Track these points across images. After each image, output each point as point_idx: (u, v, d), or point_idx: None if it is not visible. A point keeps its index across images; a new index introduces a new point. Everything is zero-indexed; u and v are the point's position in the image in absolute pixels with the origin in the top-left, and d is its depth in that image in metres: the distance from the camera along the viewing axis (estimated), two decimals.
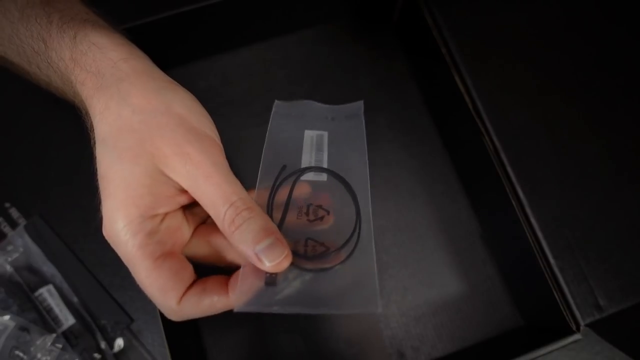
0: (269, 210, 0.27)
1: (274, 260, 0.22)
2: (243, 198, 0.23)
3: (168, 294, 0.23)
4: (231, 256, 0.26)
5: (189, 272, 0.25)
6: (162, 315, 0.32)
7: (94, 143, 0.24)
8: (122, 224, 0.23)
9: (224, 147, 0.25)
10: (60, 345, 0.36)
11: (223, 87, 0.44)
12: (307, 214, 0.27)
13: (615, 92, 0.41)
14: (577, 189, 0.38)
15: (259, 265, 0.23)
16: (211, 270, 0.27)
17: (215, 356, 0.38)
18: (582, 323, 0.32)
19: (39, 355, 0.35)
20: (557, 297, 0.33)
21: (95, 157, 0.24)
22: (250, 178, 0.29)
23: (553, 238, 0.34)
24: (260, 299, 0.23)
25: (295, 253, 0.24)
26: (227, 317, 0.39)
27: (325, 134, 0.31)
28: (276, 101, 0.32)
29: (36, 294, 0.38)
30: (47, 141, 0.42)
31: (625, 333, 0.34)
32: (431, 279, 0.40)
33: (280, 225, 0.26)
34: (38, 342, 0.35)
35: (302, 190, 0.28)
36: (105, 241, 0.24)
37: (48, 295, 0.38)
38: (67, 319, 0.38)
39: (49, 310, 0.38)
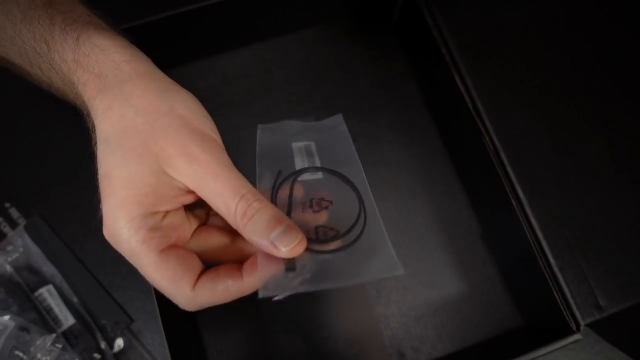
0: None
1: (289, 244, 0.23)
2: (252, 191, 0.23)
3: (180, 282, 0.23)
4: (232, 256, 0.26)
5: (197, 261, 0.25)
6: (162, 315, 0.32)
7: (95, 143, 0.25)
8: (123, 222, 0.23)
9: (221, 141, 0.26)
10: (60, 345, 0.36)
11: (223, 87, 0.44)
12: (311, 207, 0.27)
13: (615, 92, 0.41)
14: (577, 189, 0.38)
15: (274, 252, 0.23)
16: None
17: (215, 356, 0.38)
18: (582, 323, 0.32)
19: (38, 355, 0.35)
20: (557, 297, 0.33)
21: (97, 157, 0.24)
22: (250, 178, 0.29)
23: (553, 238, 0.34)
24: (282, 283, 0.23)
25: (308, 240, 0.24)
26: (227, 317, 0.39)
27: (312, 143, 0.32)
28: (259, 125, 0.33)
29: (36, 294, 0.38)
30: (47, 141, 0.42)
31: (625, 333, 0.34)
32: (431, 279, 0.40)
33: None
34: (38, 342, 0.35)
35: (299, 193, 0.28)
36: (105, 241, 0.24)
37: (48, 295, 0.38)
38: (67, 319, 0.38)
39: (49, 310, 0.38)
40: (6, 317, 0.35)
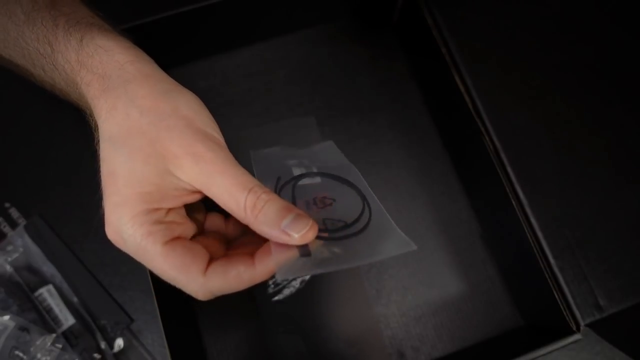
0: None
1: (301, 230, 0.23)
2: (259, 184, 0.24)
3: (191, 268, 0.23)
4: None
5: (204, 251, 0.25)
6: (162, 315, 0.32)
7: (97, 142, 0.25)
8: (127, 218, 0.23)
9: (224, 142, 0.26)
10: (60, 345, 0.36)
11: (223, 87, 0.44)
12: (315, 204, 0.28)
13: (615, 92, 0.41)
14: (577, 189, 0.38)
15: (287, 240, 0.23)
16: None
17: (215, 356, 0.38)
18: (582, 323, 0.32)
19: (38, 356, 0.35)
20: (557, 297, 0.33)
21: (100, 155, 0.24)
22: None
23: (553, 238, 0.34)
24: (298, 266, 0.23)
25: (319, 230, 0.25)
26: (227, 317, 0.39)
27: (306, 160, 0.33)
28: (251, 151, 0.33)
29: (36, 294, 0.38)
30: (47, 141, 0.42)
31: (625, 333, 0.34)
32: (431, 279, 0.40)
33: None
34: (38, 342, 0.35)
35: (300, 196, 0.29)
36: (106, 241, 0.24)
37: (48, 295, 0.38)
38: (67, 319, 0.38)
39: (49, 310, 0.38)
40: (6, 317, 0.35)
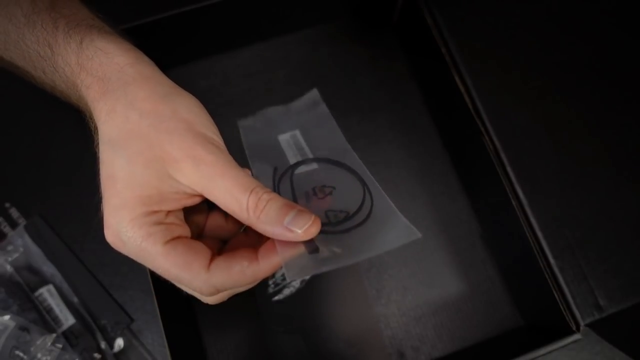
0: None
1: (304, 225, 0.23)
2: (260, 185, 0.24)
3: (193, 264, 0.23)
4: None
5: (205, 248, 0.25)
6: (162, 315, 0.32)
7: (97, 144, 0.25)
8: (126, 221, 0.23)
9: (224, 145, 0.26)
10: (60, 345, 0.36)
11: (223, 87, 0.44)
12: (315, 195, 0.27)
13: (615, 92, 0.41)
14: (577, 189, 0.38)
15: (290, 237, 0.23)
16: None
17: (215, 356, 0.38)
18: (582, 323, 0.32)
19: (39, 355, 0.35)
20: (557, 297, 0.33)
21: (99, 158, 0.24)
22: None
23: (553, 238, 0.34)
24: (306, 265, 0.23)
25: (322, 224, 0.25)
26: (227, 317, 0.39)
27: (297, 131, 0.32)
28: (239, 122, 0.33)
29: (36, 293, 0.38)
30: (47, 141, 0.42)
31: (625, 333, 0.34)
32: (431, 279, 0.40)
33: None
34: (38, 342, 0.35)
35: (300, 186, 0.29)
36: (105, 241, 0.24)
37: (48, 295, 0.38)
38: (67, 319, 0.38)
39: (49, 310, 0.38)
40: (6, 317, 0.35)
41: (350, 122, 0.43)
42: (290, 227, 0.23)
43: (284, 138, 0.32)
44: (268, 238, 0.24)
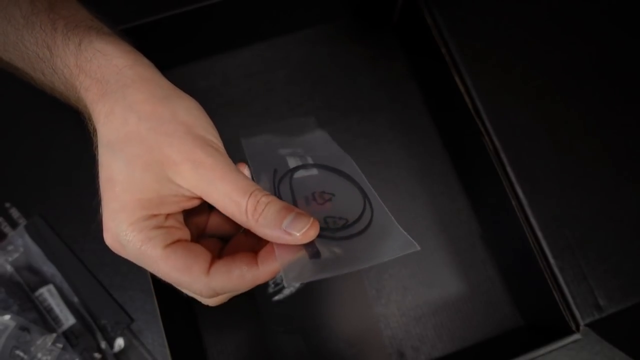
0: None
1: (302, 228, 0.23)
2: (258, 188, 0.24)
3: (193, 268, 0.23)
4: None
5: (205, 251, 0.25)
6: (162, 315, 0.32)
7: (96, 147, 0.25)
8: (125, 225, 0.23)
9: (224, 147, 0.26)
10: (60, 345, 0.36)
11: (223, 87, 0.44)
12: (315, 200, 0.27)
13: (615, 92, 0.41)
14: (577, 189, 0.38)
15: (289, 240, 0.23)
16: None
17: (215, 356, 0.38)
18: (581, 323, 0.32)
19: (39, 355, 0.35)
20: (556, 297, 0.33)
21: (98, 161, 0.24)
22: None
23: (553, 238, 0.34)
24: (304, 270, 0.23)
25: (321, 229, 0.25)
26: (227, 317, 0.39)
27: (299, 149, 0.32)
28: (241, 138, 0.33)
29: (36, 293, 0.38)
30: (47, 141, 0.42)
31: (625, 333, 0.34)
32: (431, 279, 0.40)
33: None
34: (38, 342, 0.35)
35: (299, 190, 0.29)
36: None
37: (48, 295, 0.38)
38: (68, 319, 0.38)
39: (50, 310, 0.38)
40: (7, 317, 0.35)
41: (350, 122, 0.43)
42: (289, 230, 0.23)
43: (285, 151, 0.32)
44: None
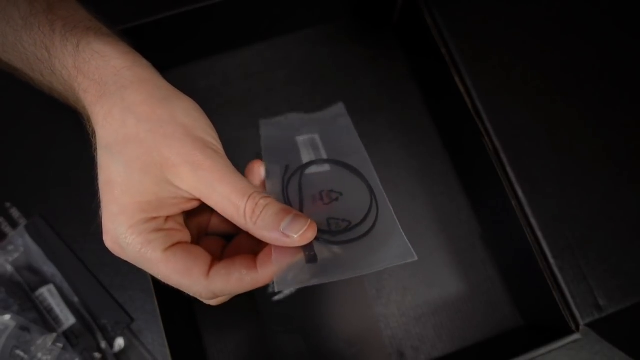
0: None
1: (299, 230, 0.23)
2: (257, 190, 0.24)
3: (193, 270, 0.23)
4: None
5: (205, 253, 0.25)
6: (162, 314, 0.32)
7: (95, 149, 0.25)
8: (125, 227, 0.23)
9: (224, 147, 0.26)
10: (60, 345, 0.36)
11: (223, 87, 0.44)
12: (321, 199, 0.27)
13: (615, 92, 0.41)
14: (577, 188, 0.38)
15: (287, 242, 0.23)
16: None
17: (215, 356, 0.38)
18: (581, 323, 0.32)
19: (39, 355, 0.35)
20: (556, 297, 0.33)
21: (97, 163, 0.24)
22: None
23: (553, 238, 0.34)
24: (297, 276, 0.23)
25: (322, 231, 0.25)
26: (227, 317, 0.39)
27: (316, 135, 0.32)
28: (261, 120, 0.33)
29: (37, 293, 0.38)
30: (47, 141, 0.42)
31: (625, 333, 0.34)
32: (431, 279, 0.40)
33: None
34: (39, 342, 0.35)
35: (308, 187, 0.29)
36: None
37: (48, 295, 0.38)
38: (68, 319, 0.38)
39: (50, 310, 0.38)
40: (7, 317, 0.35)
41: None
42: (287, 232, 0.23)
43: (301, 139, 0.32)
44: None
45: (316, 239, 0.24)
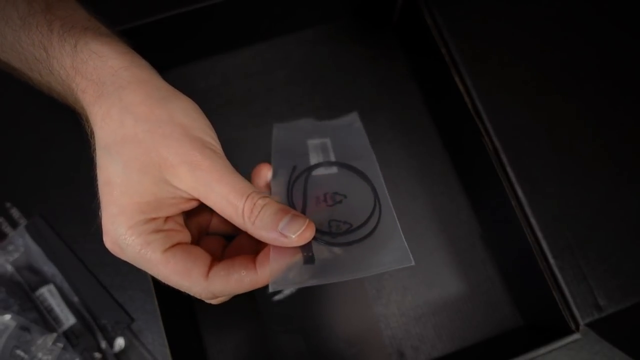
0: (289, 205, 0.27)
1: (297, 230, 0.23)
2: (256, 190, 0.24)
3: (192, 271, 0.24)
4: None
5: (204, 254, 0.25)
6: (162, 314, 0.32)
7: (94, 149, 0.25)
8: (124, 228, 0.23)
9: (223, 147, 0.26)
10: (61, 345, 0.36)
11: (223, 87, 0.44)
12: (325, 201, 0.27)
13: (615, 92, 0.41)
14: (577, 188, 0.38)
15: (285, 242, 0.23)
16: None
17: (215, 356, 0.38)
18: (581, 323, 0.32)
19: (39, 355, 0.35)
20: (556, 297, 0.33)
21: (96, 164, 0.24)
22: (250, 177, 0.30)
23: (553, 238, 0.34)
24: (294, 277, 0.23)
25: (322, 232, 0.25)
26: (227, 317, 0.39)
27: (328, 140, 0.32)
28: (275, 124, 0.33)
29: (37, 293, 0.38)
30: (47, 141, 0.42)
31: (624, 333, 0.34)
32: (431, 279, 0.40)
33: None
34: (39, 342, 0.36)
35: (313, 188, 0.29)
36: None
37: (49, 294, 0.38)
38: (68, 319, 0.38)
39: (50, 310, 0.38)
40: (7, 317, 0.35)
41: None
42: (285, 232, 0.23)
43: (313, 142, 0.32)
44: None
45: (315, 240, 0.24)
